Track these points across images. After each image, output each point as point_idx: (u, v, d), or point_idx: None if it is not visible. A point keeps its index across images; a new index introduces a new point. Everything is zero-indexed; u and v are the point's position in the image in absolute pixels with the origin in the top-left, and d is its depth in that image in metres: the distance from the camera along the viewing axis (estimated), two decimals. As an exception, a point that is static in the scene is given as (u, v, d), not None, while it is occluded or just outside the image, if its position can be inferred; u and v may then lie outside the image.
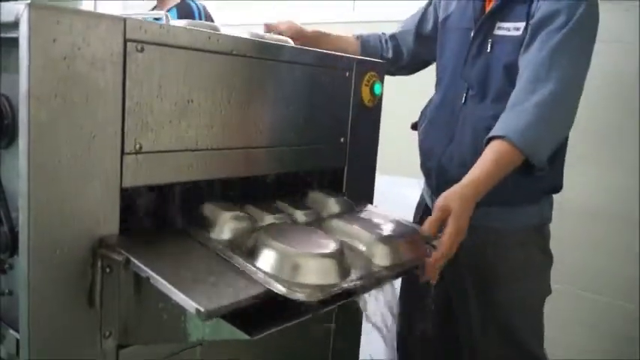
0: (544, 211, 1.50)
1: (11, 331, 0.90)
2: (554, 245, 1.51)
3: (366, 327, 1.56)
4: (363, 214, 1.24)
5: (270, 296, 0.86)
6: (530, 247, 1.48)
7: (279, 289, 0.85)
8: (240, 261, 0.91)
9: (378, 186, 1.46)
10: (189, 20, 1.10)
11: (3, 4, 0.81)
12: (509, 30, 1.41)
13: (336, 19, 2.64)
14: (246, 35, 1.15)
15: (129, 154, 0.91)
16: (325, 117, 1.28)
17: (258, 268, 0.89)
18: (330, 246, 0.96)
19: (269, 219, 1.07)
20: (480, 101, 1.45)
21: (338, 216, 1.19)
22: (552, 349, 1.53)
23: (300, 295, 0.85)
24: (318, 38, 1.61)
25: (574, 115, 1.34)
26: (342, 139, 1.33)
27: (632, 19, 1.90)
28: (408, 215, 1.59)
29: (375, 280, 1.00)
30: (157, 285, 0.82)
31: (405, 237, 1.14)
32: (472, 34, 1.47)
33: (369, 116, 1.39)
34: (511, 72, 1.37)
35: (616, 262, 1.99)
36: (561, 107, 1.31)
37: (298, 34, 1.53)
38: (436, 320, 1.59)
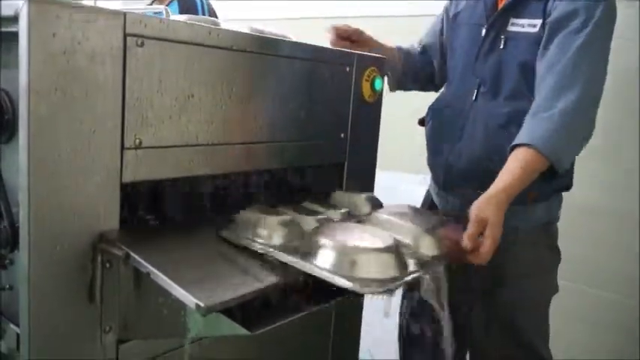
0: (553, 210, 1.50)
1: (12, 326, 0.91)
2: (554, 242, 1.51)
3: (366, 325, 1.57)
4: (393, 209, 1.24)
5: (270, 292, 0.86)
6: (540, 246, 1.47)
7: (351, 285, 0.85)
8: (301, 263, 0.90)
9: (381, 182, 1.46)
10: (190, 15, 1.10)
11: (3, -2, 0.81)
12: (523, 26, 1.39)
13: (338, 14, 2.64)
14: (246, 30, 1.15)
15: (129, 149, 0.91)
16: (325, 112, 1.28)
17: (322, 268, 0.89)
18: (387, 240, 0.96)
19: (312, 221, 1.06)
20: (492, 98, 1.44)
21: (372, 212, 1.19)
22: (553, 343, 1.53)
23: (371, 290, 0.86)
24: (371, 43, 1.58)
25: (595, 119, 1.33)
26: (342, 135, 1.33)
27: (632, 15, 1.89)
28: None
29: (431, 272, 1.01)
30: (156, 280, 0.82)
31: (444, 227, 1.15)
32: (484, 31, 1.45)
33: (370, 112, 1.39)
34: (527, 70, 1.36)
35: (616, 259, 1.99)
36: (586, 113, 1.30)
37: (358, 36, 1.52)
38: (438, 319, 1.58)
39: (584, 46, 1.28)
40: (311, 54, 1.22)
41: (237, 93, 1.06)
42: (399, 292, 1.36)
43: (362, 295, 0.89)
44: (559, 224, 1.53)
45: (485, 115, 1.43)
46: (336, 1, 2.72)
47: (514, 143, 1.27)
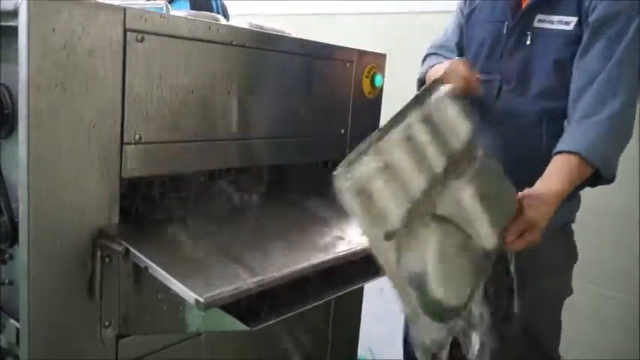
0: (574, 210, 1.49)
1: (11, 321, 0.91)
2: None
3: (367, 324, 1.57)
4: None
5: (269, 287, 0.86)
6: (558, 246, 1.46)
7: None
8: None
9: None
10: (189, 11, 1.10)
11: (2, -7, 0.81)
12: (552, 23, 1.37)
13: (339, 11, 2.63)
14: (245, 26, 1.15)
15: (128, 144, 0.91)
16: (326, 108, 1.28)
17: None
18: None
19: None
20: (519, 95, 1.41)
21: None
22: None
23: None
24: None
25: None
26: (342, 131, 1.33)
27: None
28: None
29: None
30: (155, 275, 0.82)
31: None
32: (507, 27, 1.43)
33: (370, 108, 1.39)
34: (562, 69, 1.35)
35: (617, 256, 2.00)
36: (630, 119, 1.31)
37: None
38: None
39: (627, 52, 1.29)
40: (311, 50, 1.22)
41: (236, 89, 1.06)
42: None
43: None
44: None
45: (513, 114, 1.41)
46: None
47: (561, 149, 1.26)
